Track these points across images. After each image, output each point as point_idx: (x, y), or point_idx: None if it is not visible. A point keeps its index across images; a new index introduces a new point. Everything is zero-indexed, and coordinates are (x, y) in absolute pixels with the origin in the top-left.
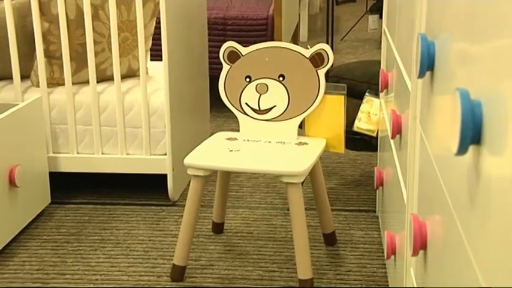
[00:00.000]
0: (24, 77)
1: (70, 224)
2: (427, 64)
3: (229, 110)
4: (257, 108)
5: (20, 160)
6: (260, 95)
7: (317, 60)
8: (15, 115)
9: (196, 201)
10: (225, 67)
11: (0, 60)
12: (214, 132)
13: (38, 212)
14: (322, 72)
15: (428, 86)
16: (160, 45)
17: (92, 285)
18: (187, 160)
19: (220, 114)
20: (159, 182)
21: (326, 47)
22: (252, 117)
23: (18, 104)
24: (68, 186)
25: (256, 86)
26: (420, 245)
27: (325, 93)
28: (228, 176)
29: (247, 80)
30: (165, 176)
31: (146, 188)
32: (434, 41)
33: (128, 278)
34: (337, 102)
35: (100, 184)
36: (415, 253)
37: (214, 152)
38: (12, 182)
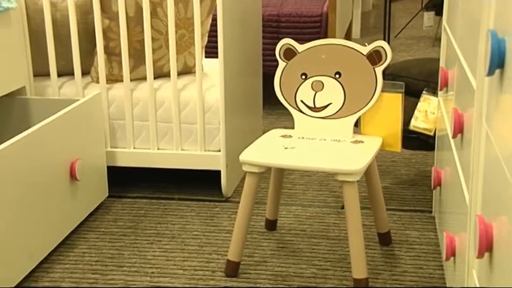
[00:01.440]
0: (85, 73)
1: (127, 218)
2: (497, 62)
3: (282, 107)
4: (312, 105)
5: (80, 154)
6: (316, 92)
7: (374, 57)
8: (76, 110)
9: (250, 198)
10: (281, 64)
11: (62, 57)
12: (267, 130)
13: (96, 205)
14: (379, 69)
15: (497, 84)
16: (215, 42)
17: (148, 278)
18: (243, 156)
19: (272, 111)
20: (212, 178)
21: (384, 44)
22: (307, 115)
23: (79, 100)
24: (125, 181)
25: (312, 83)
26: (486, 246)
27: (382, 91)
28: (282, 173)
29: (303, 77)
30: (218, 172)
31: (200, 183)
32: (504, 38)
33: (183, 272)
34: (395, 100)
35: (155, 179)
36: (480, 255)
37: (269, 149)
38: (73, 176)
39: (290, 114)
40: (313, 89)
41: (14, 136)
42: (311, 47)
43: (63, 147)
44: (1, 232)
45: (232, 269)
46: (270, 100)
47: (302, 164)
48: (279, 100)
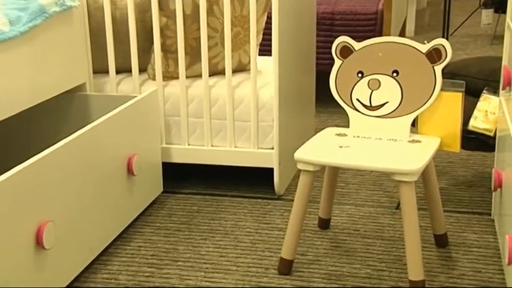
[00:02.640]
0: (142, 70)
1: (181, 213)
2: None
3: (334, 105)
4: (368, 104)
5: (137, 149)
6: (372, 90)
7: (434, 55)
8: (133, 107)
9: (305, 196)
10: (337, 62)
11: (120, 54)
12: (319, 128)
13: (152, 200)
14: (439, 68)
15: None
16: (268, 40)
17: (202, 273)
18: (297, 155)
19: (324, 109)
20: (265, 176)
21: (444, 42)
22: (363, 114)
23: (136, 96)
24: (179, 177)
25: (369, 81)
26: None
27: (442, 90)
28: (336, 172)
29: (359, 75)
30: (271, 170)
31: (252, 181)
32: None
33: (236, 269)
34: (455, 100)
35: (208, 175)
36: None
37: (324, 148)
38: (130, 171)
39: (342, 113)
40: (369, 88)
41: (74, 131)
42: (368, 45)
43: (121, 143)
44: (64, 225)
45: (286, 267)
46: (322, 98)
47: (358, 163)
48: (331, 98)
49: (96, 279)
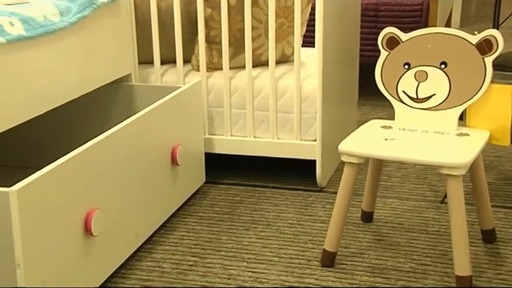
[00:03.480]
0: (186, 61)
1: (223, 204)
2: None
3: (376, 98)
4: (415, 96)
5: (181, 140)
6: (419, 82)
7: (484, 46)
8: (177, 97)
9: (349, 188)
10: (383, 53)
11: (165, 45)
12: (361, 120)
13: (194, 190)
14: (489, 60)
15: None
16: (311, 31)
17: (245, 264)
18: (342, 147)
19: (366, 102)
20: (306, 167)
21: (496, 33)
22: (409, 106)
23: (180, 87)
24: (221, 167)
25: (415, 73)
26: None
27: (492, 82)
28: (380, 164)
29: (406, 67)
30: (313, 162)
31: (294, 172)
32: None
33: (279, 260)
34: (505, 92)
35: (250, 166)
36: None
37: (369, 140)
38: (174, 161)
39: (385, 105)
40: (416, 79)
41: (119, 120)
42: (416, 36)
43: (166, 133)
44: (110, 213)
45: (329, 259)
46: (364, 90)
47: (404, 156)
48: (374, 90)
49: (141, 266)
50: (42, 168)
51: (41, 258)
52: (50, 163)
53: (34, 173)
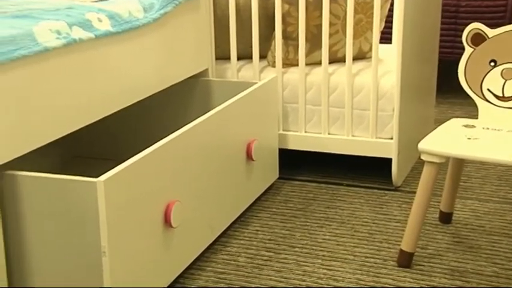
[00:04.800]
0: (261, 57)
1: (296, 200)
2: None
3: (454, 96)
4: (501, 94)
5: (256, 135)
6: (505, 80)
7: None
8: (253, 93)
9: (428, 188)
10: (468, 50)
11: (241, 41)
12: (438, 119)
13: (268, 186)
14: None
15: None
16: (388, 27)
17: (319, 261)
18: (422, 145)
19: (443, 100)
20: (381, 166)
21: None
22: (494, 104)
23: (256, 83)
24: (294, 163)
25: (502, 70)
26: None
27: None
28: (461, 164)
29: (492, 64)
30: (388, 160)
31: (369, 170)
32: None
33: (353, 258)
34: None
35: (324, 163)
36: None
37: (451, 139)
38: (249, 156)
39: (463, 104)
40: (502, 77)
41: (195, 114)
42: (504, 32)
43: (242, 128)
44: (188, 205)
45: (406, 260)
46: (442, 88)
47: (488, 156)
48: (452, 88)
49: (217, 259)
50: (120, 160)
51: (125, 246)
52: (128, 156)
53: (113, 164)
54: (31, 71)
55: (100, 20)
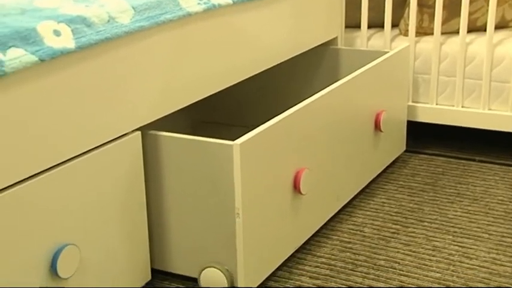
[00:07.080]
0: (393, 25)
1: (424, 174)
2: None
3: None
4: None
5: (385, 106)
6: None
7: None
8: (384, 63)
9: None
10: None
11: (373, 9)
12: None
13: (394, 158)
14: None
15: None
16: None
17: (450, 237)
18: None
19: None
20: None
21: None
22: None
23: (387, 52)
24: (422, 136)
25: None
26: None
27: None
28: None
29: None
30: None
31: (504, 146)
32: None
33: (488, 237)
34: None
35: (454, 137)
36: None
37: None
38: (377, 127)
39: None
40: None
41: (324, 82)
42: None
43: (371, 98)
44: (316, 173)
45: None
46: None
47: None
48: None
49: (342, 228)
50: (245, 127)
51: (257, 210)
52: (253, 122)
53: (238, 130)
54: (175, 36)
55: None
